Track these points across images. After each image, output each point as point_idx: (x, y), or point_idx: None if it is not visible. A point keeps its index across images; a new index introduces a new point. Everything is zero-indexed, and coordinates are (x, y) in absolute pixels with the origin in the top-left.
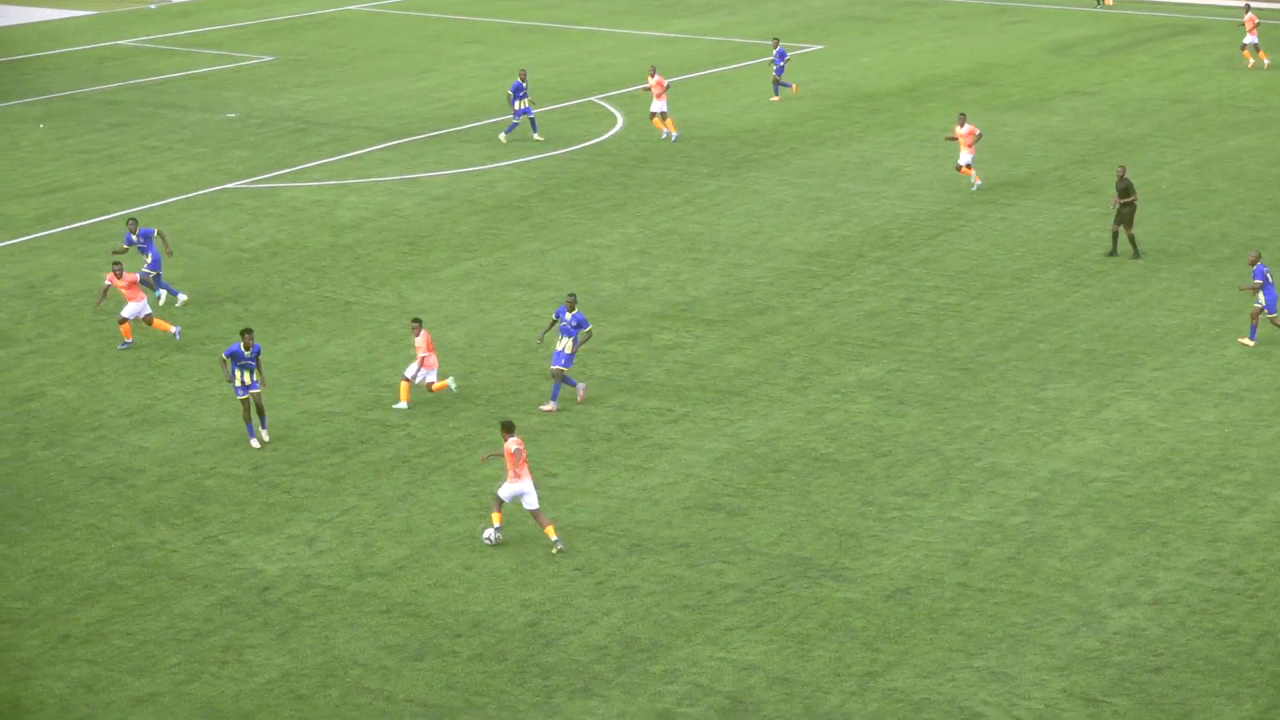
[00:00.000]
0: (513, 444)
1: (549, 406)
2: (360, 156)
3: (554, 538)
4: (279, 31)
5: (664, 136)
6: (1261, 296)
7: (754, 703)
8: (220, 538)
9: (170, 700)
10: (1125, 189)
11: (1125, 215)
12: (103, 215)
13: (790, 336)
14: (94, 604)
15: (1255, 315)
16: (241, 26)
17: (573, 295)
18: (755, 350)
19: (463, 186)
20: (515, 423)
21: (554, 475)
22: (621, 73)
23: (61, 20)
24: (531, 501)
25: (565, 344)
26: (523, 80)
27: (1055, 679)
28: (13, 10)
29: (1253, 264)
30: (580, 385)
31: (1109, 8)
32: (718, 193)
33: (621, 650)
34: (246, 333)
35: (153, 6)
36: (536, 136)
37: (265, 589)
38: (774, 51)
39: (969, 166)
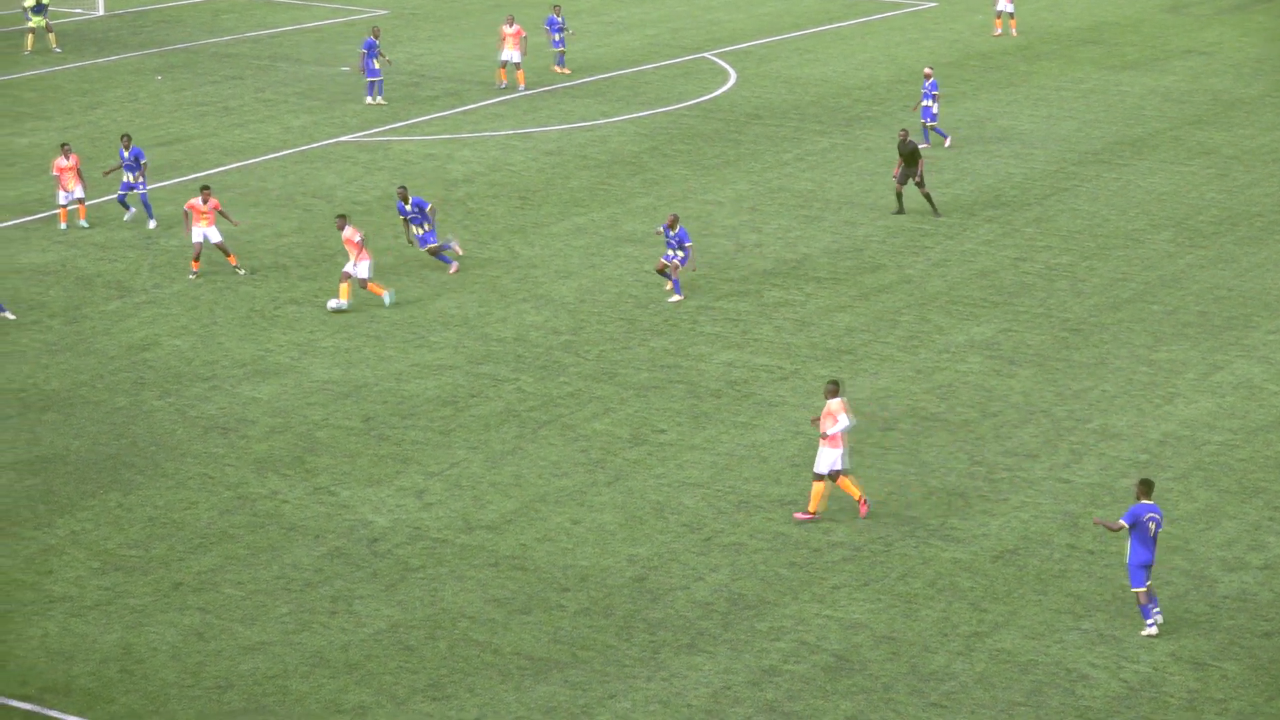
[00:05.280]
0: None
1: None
2: (473, 111)
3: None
4: None
5: (501, 86)
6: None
7: (859, 661)
8: (330, 489)
9: (280, 649)
10: (911, 153)
11: (912, 175)
12: (218, 167)
13: (901, 295)
14: (206, 553)
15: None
16: None
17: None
18: (865, 308)
19: (574, 142)
20: (622, 378)
21: (662, 431)
22: (735, 29)
23: None
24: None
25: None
26: (375, 38)
27: (1163, 642)
28: None
29: (671, 227)
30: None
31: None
32: (830, 150)
33: (728, 607)
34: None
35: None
36: (379, 100)
37: (374, 540)
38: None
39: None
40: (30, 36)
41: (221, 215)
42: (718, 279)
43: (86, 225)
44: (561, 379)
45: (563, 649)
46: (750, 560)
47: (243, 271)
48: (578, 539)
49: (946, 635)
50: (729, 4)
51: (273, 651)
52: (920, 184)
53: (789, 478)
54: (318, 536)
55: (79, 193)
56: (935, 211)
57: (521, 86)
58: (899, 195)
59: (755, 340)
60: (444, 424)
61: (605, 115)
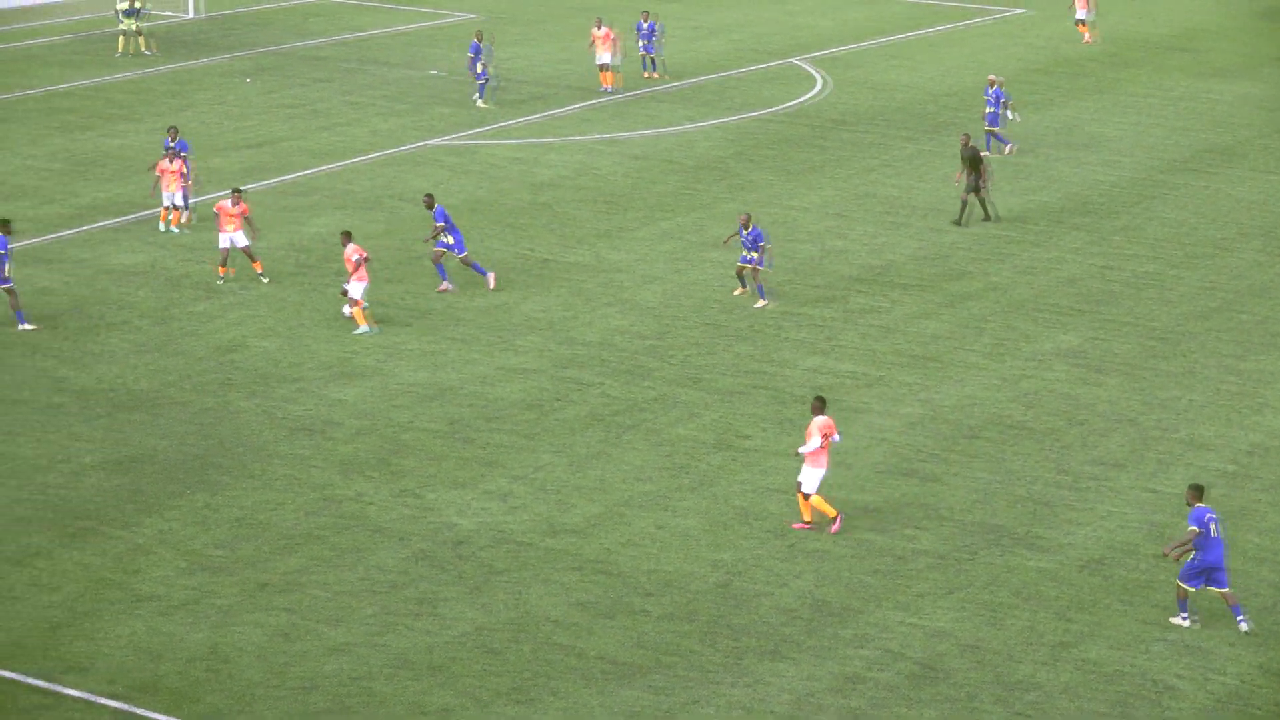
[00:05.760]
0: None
1: None
2: (560, 115)
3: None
4: None
5: (605, 90)
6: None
7: (944, 670)
8: (416, 492)
9: (364, 651)
10: (973, 159)
11: (974, 183)
12: (306, 170)
13: (987, 302)
14: (292, 554)
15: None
16: None
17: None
18: (951, 315)
19: (661, 147)
20: (707, 383)
21: (747, 437)
22: (822, 34)
23: None
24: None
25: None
26: (479, 41)
27: (1250, 654)
28: None
29: (745, 226)
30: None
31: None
32: (916, 156)
33: (811, 613)
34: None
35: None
36: (488, 104)
37: (459, 543)
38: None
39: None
40: (124, 39)
41: (246, 221)
42: (803, 285)
43: (187, 232)
44: (646, 384)
45: (646, 654)
46: (834, 567)
47: (266, 279)
48: (662, 544)
49: (1032, 645)
50: (815, 9)
51: (357, 653)
52: (976, 190)
53: (873, 484)
54: (402, 539)
55: (177, 199)
56: (971, 217)
57: (612, 88)
58: (984, 203)
59: (840, 347)
60: (529, 427)
61: (692, 120)
